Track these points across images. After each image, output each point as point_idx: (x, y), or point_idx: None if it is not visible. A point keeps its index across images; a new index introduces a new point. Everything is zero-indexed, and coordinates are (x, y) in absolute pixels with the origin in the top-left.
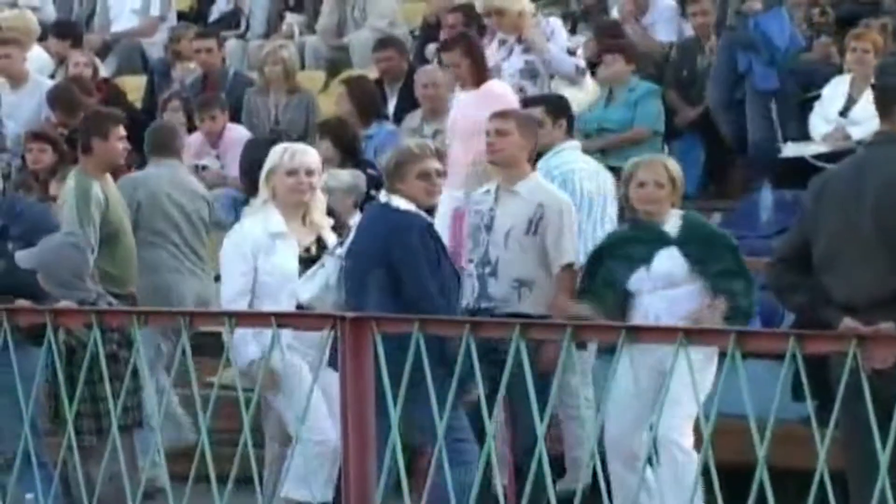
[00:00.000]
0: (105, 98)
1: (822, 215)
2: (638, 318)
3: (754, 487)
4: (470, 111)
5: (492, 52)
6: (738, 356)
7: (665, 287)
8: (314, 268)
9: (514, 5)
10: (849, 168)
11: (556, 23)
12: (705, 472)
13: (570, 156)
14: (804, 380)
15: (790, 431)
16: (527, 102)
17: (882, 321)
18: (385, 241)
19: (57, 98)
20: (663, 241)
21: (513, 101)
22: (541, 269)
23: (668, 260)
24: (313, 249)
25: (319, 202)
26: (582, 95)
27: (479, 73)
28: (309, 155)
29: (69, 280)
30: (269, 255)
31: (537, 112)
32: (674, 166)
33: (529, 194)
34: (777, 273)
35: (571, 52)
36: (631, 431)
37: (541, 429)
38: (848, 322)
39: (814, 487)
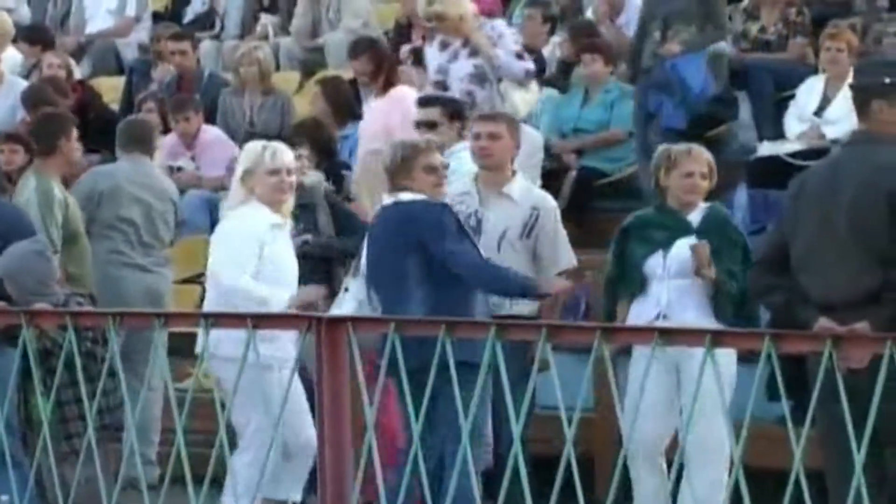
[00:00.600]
0: (81, 99)
1: (800, 215)
2: (647, 305)
3: (730, 486)
4: (379, 117)
5: (433, 54)
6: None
7: (676, 276)
8: (339, 295)
9: (454, 10)
10: (825, 168)
11: (501, 26)
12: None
13: (465, 157)
14: (779, 379)
15: (766, 431)
16: (422, 102)
17: (857, 320)
18: (406, 230)
19: (31, 98)
20: (685, 229)
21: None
22: (531, 272)
23: (686, 248)
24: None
25: (290, 199)
26: (529, 97)
27: (388, 80)
28: (288, 154)
29: (35, 287)
30: (272, 246)
31: (434, 113)
32: (711, 157)
33: (522, 198)
34: (756, 274)
35: (520, 56)
36: (655, 432)
37: (517, 429)
38: (823, 322)
39: (790, 487)
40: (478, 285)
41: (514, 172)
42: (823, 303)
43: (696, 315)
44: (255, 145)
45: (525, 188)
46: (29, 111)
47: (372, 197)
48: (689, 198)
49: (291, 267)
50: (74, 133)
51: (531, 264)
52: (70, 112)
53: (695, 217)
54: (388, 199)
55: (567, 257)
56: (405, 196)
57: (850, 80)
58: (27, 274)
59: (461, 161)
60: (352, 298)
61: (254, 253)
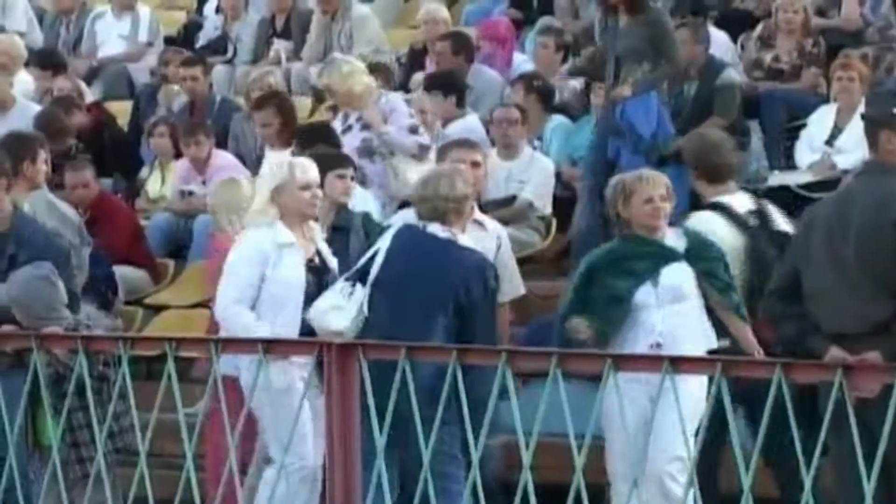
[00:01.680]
0: (96, 121)
1: (811, 245)
2: (642, 333)
3: None
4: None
5: (336, 123)
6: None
7: (672, 301)
8: (337, 295)
9: (341, 85)
10: (836, 199)
11: (396, 101)
12: None
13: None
14: (789, 409)
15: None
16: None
17: (870, 350)
18: (461, 275)
19: (43, 123)
20: (669, 255)
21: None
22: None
23: (677, 274)
24: (317, 260)
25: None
26: (426, 168)
27: (290, 132)
28: (315, 169)
29: (44, 313)
30: (277, 267)
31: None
32: (667, 179)
33: (491, 226)
34: (770, 304)
35: (413, 130)
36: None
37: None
38: (834, 352)
39: None
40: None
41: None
42: (835, 333)
43: (693, 343)
44: (280, 163)
45: (486, 217)
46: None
47: (231, 222)
48: (655, 223)
49: (297, 290)
50: (42, 156)
51: None
52: (83, 132)
53: (671, 241)
54: (433, 228)
55: (517, 285)
56: (455, 234)
57: (861, 109)
58: (35, 300)
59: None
60: (355, 303)
61: (254, 280)
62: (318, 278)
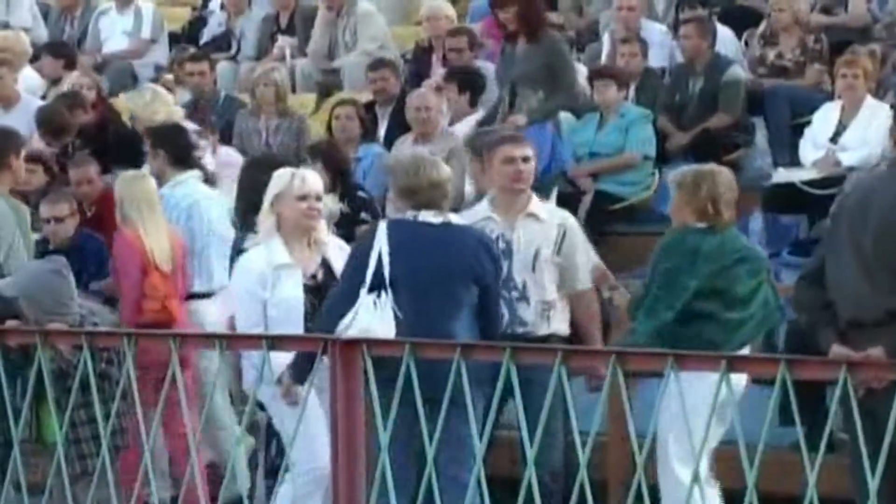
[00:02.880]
0: (101, 117)
1: (837, 234)
2: None
3: None
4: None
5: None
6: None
7: None
8: (370, 308)
9: (144, 113)
10: (863, 187)
11: None
12: None
13: (194, 186)
14: (794, 405)
15: (780, 457)
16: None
17: (883, 339)
18: (472, 255)
19: (44, 119)
20: None
21: None
22: (560, 290)
23: None
24: (320, 276)
25: (322, 224)
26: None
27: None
28: (317, 179)
29: (53, 307)
30: (276, 289)
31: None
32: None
33: (549, 216)
34: (799, 290)
35: None
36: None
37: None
38: (837, 349)
39: None
40: (494, 334)
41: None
42: (852, 321)
43: None
44: (284, 172)
45: (547, 206)
46: (40, 131)
47: (141, 215)
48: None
49: (296, 311)
50: (22, 152)
51: (559, 282)
52: (88, 129)
53: None
54: (433, 217)
55: (589, 275)
56: (454, 217)
57: (866, 106)
58: (45, 293)
59: (186, 189)
60: (387, 307)
61: (258, 305)
62: (319, 299)
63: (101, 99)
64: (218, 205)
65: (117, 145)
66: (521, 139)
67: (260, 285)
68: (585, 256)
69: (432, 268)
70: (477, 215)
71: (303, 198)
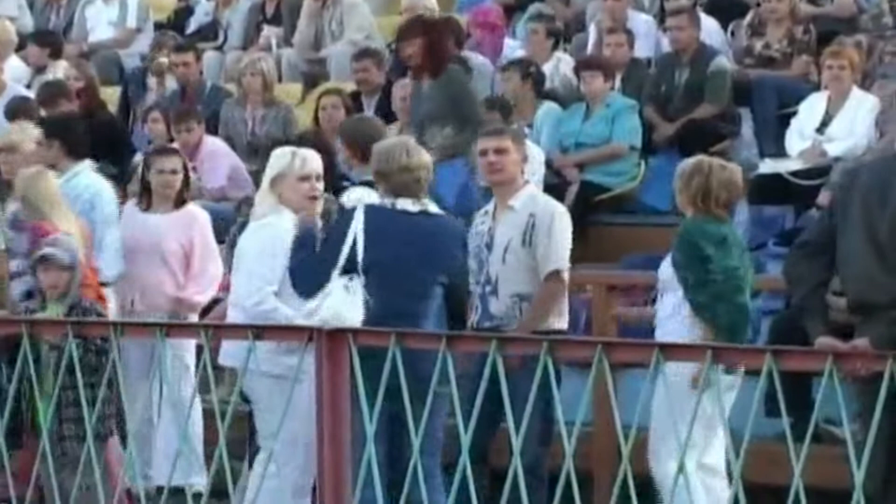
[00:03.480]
0: (85, 107)
1: (849, 209)
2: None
3: (730, 502)
4: None
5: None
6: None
7: (663, 291)
8: (341, 288)
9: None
10: (880, 166)
11: None
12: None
13: (92, 177)
14: (780, 396)
15: (766, 448)
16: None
17: (887, 324)
18: (446, 246)
19: (14, 112)
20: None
21: None
22: (533, 281)
23: (666, 263)
24: None
25: (319, 205)
26: None
27: None
28: (318, 160)
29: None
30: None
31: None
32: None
33: (523, 207)
34: (793, 258)
35: None
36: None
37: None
38: (823, 340)
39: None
40: (461, 313)
41: (526, 183)
42: (857, 302)
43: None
44: (283, 151)
45: (529, 197)
46: (10, 122)
47: (52, 210)
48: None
49: None
50: None
51: (534, 273)
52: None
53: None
54: (412, 206)
55: (557, 259)
56: (431, 205)
57: (852, 97)
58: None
59: (86, 181)
60: (358, 291)
61: (275, 268)
62: None
63: (87, 89)
64: (112, 195)
65: (101, 135)
66: (499, 132)
67: (281, 252)
68: (551, 243)
69: (405, 256)
70: (481, 210)
71: (304, 178)
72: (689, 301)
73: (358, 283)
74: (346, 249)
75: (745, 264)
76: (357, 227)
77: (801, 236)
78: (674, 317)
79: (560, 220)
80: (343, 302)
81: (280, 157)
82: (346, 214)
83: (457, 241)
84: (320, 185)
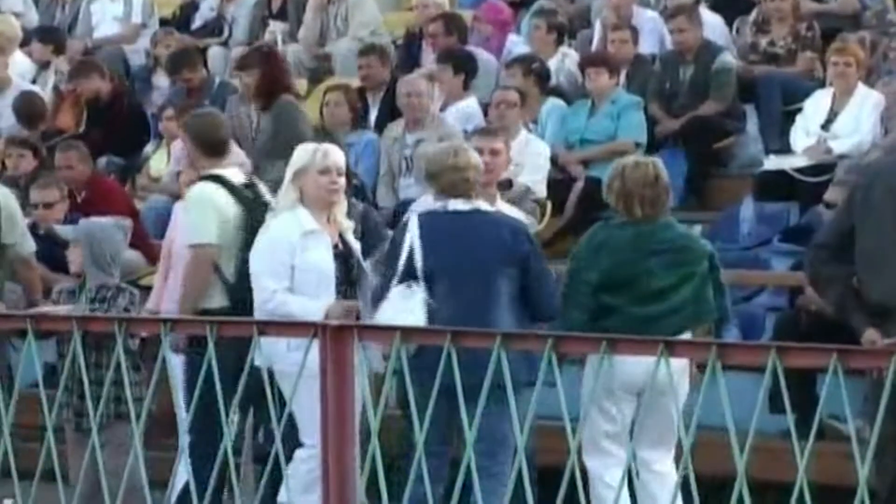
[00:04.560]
0: (115, 91)
1: (873, 207)
2: None
3: (734, 500)
4: None
5: None
6: (718, 368)
7: None
8: (399, 298)
9: None
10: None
11: None
12: (684, 485)
13: None
14: (784, 393)
15: (769, 444)
16: None
17: None
18: (504, 239)
19: (19, 108)
20: None
21: None
22: None
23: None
24: (340, 246)
25: (343, 202)
26: None
27: None
28: (339, 154)
29: (105, 260)
30: (305, 253)
31: None
32: (660, 167)
33: (510, 212)
34: (818, 260)
35: None
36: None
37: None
38: (870, 334)
39: (793, 501)
40: (548, 313)
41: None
42: (884, 303)
43: None
44: (306, 146)
45: (506, 206)
46: (18, 119)
47: None
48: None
49: (327, 275)
50: None
51: None
52: (101, 98)
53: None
54: (463, 205)
55: None
56: (482, 204)
57: (858, 94)
58: (106, 243)
59: None
60: (419, 300)
61: (285, 265)
62: (345, 265)
63: (113, 78)
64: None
65: (126, 122)
66: (493, 131)
67: (288, 251)
68: None
69: (466, 256)
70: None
71: (325, 171)
72: None
73: (417, 288)
74: (403, 258)
75: (627, 269)
76: (413, 235)
77: (818, 238)
78: None
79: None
80: (397, 309)
81: (302, 152)
82: (402, 225)
83: (518, 233)
84: (342, 180)
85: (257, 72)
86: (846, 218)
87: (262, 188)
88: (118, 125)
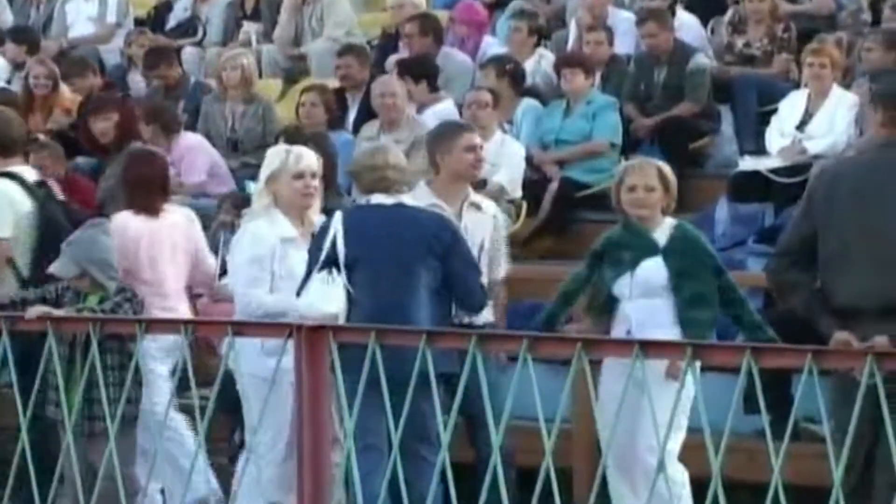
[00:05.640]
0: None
1: (835, 211)
2: (618, 325)
3: (709, 500)
4: None
5: None
6: (697, 369)
7: (642, 296)
8: (321, 283)
9: None
10: (865, 169)
11: None
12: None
13: None
14: (759, 393)
15: (744, 445)
16: None
17: (884, 330)
18: (426, 230)
19: None
20: (651, 249)
21: None
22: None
23: (652, 269)
24: None
25: (317, 206)
26: None
27: None
28: (313, 157)
29: (96, 259)
30: (283, 261)
31: None
32: (666, 169)
33: (487, 206)
34: (781, 268)
35: None
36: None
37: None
38: (839, 336)
39: (768, 501)
40: (471, 297)
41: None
42: (852, 308)
43: (664, 334)
44: (278, 149)
45: (482, 196)
46: None
47: None
48: (638, 212)
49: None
50: None
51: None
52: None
53: (661, 235)
54: (387, 199)
55: (505, 265)
56: (406, 199)
57: (833, 95)
58: (90, 244)
59: None
60: (340, 285)
61: (265, 269)
62: None
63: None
64: None
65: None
66: (468, 128)
67: (267, 255)
68: (506, 248)
69: (387, 247)
70: (421, 201)
71: (299, 176)
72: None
73: (337, 276)
74: (325, 247)
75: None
76: (336, 225)
77: (782, 244)
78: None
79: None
80: (319, 295)
81: (275, 155)
82: (328, 218)
83: (441, 225)
84: (315, 183)
85: (114, 117)
86: (807, 223)
87: (55, 187)
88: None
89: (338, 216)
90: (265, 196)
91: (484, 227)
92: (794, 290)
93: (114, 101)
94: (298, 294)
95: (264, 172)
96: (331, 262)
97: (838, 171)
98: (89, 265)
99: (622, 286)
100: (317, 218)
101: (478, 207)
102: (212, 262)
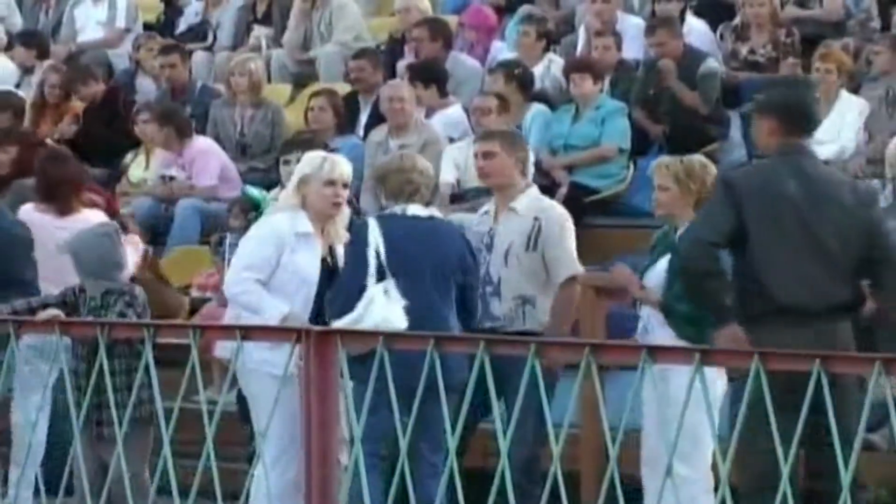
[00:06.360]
0: (111, 94)
1: (769, 216)
2: (638, 325)
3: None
4: None
5: None
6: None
7: (657, 290)
8: (383, 297)
9: None
10: (779, 174)
11: None
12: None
13: None
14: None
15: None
16: None
17: (840, 325)
18: (458, 246)
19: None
20: (666, 247)
21: None
22: (541, 285)
23: (662, 266)
24: (329, 260)
25: (344, 215)
26: None
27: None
28: (347, 166)
29: (97, 268)
30: (294, 254)
31: None
32: (681, 166)
33: (526, 210)
34: (710, 256)
35: None
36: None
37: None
38: (732, 329)
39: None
40: (473, 308)
41: (528, 185)
42: (789, 306)
43: (669, 334)
44: (314, 154)
45: (532, 199)
46: None
47: None
48: (658, 212)
49: (309, 282)
50: None
51: (539, 276)
52: (96, 101)
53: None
54: (422, 211)
55: (570, 266)
56: (422, 211)
57: (839, 100)
58: (90, 251)
59: None
60: (397, 300)
61: (269, 257)
62: (328, 278)
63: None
64: None
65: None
66: (488, 135)
67: (277, 245)
68: (562, 250)
69: (427, 259)
70: (482, 209)
71: (330, 183)
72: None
73: (394, 288)
74: (372, 259)
75: None
76: (376, 237)
77: (704, 234)
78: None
79: (569, 225)
80: (387, 307)
81: (310, 160)
82: (361, 228)
83: (465, 243)
84: (345, 192)
85: (14, 151)
86: (733, 217)
87: None
88: (117, 121)
89: (373, 225)
90: (294, 197)
91: (515, 231)
92: (714, 278)
93: (15, 134)
94: (348, 307)
95: (297, 175)
96: (381, 273)
97: (766, 178)
98: (100, 276)
99: (646, 280)
100: (343, 232)
101: (515, 212)
102: None
